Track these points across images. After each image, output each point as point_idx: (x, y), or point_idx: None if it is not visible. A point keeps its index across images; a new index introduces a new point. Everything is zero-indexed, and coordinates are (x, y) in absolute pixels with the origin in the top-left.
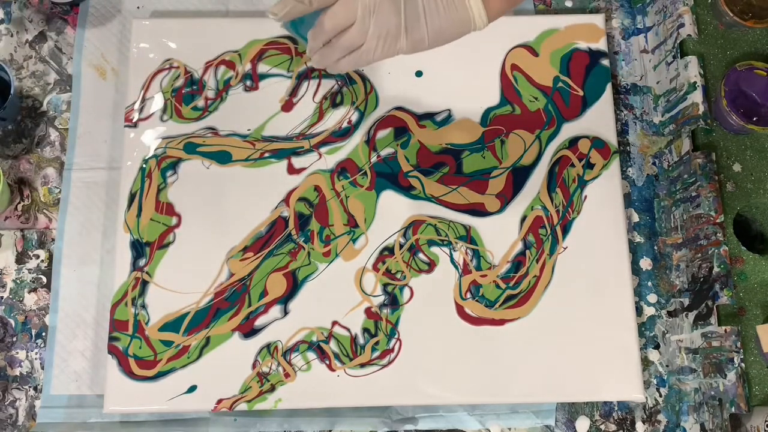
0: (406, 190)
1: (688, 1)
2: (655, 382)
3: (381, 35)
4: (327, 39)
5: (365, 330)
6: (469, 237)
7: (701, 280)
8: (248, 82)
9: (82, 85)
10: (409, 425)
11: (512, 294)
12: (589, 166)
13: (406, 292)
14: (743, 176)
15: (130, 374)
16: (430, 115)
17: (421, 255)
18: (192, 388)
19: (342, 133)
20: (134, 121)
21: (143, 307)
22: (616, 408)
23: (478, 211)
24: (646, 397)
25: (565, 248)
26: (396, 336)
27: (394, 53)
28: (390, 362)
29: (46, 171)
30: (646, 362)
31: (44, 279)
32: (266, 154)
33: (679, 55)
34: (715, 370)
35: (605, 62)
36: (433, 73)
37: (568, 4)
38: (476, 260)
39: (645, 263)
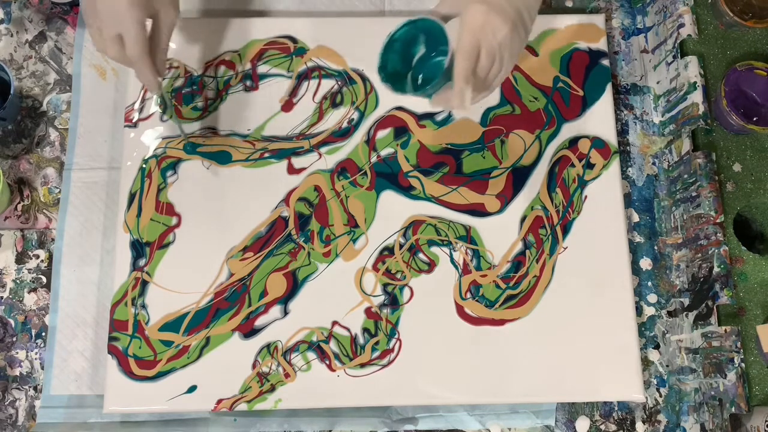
0: (406, 190)
1: (688, 1)
2: (655, 382)
3: (515, 54)
4: (481, 88)
5: (365, 330)
6: (469, 237)
7: (701, 280)
8: (248, 82)
9: (82, 85)
10: (409, 425)
11: (512, 294)
12: (589, 166)
13: (406, 292)
14: (743, 176)
15: (130, 374)
16: (430, 115)
17: (421, 255)
18: (192, 388)
19: (342, 133)
20: (134, 121)
21: (143, 307)
22: (616, 408)
23: (478, 211)
24: (646, 397)
25: (565, 248)
26: (396, 336)
27: None
28: (390, 362)
29: (46, 171)
30: (646, 362)
31: (44, 279)
32: (266, 154)
33: (679, 55)
34: (715, 370)
35: (605, 62)
36: None
37: (568, 4)
38: (476, 260)
39: (645, 263)
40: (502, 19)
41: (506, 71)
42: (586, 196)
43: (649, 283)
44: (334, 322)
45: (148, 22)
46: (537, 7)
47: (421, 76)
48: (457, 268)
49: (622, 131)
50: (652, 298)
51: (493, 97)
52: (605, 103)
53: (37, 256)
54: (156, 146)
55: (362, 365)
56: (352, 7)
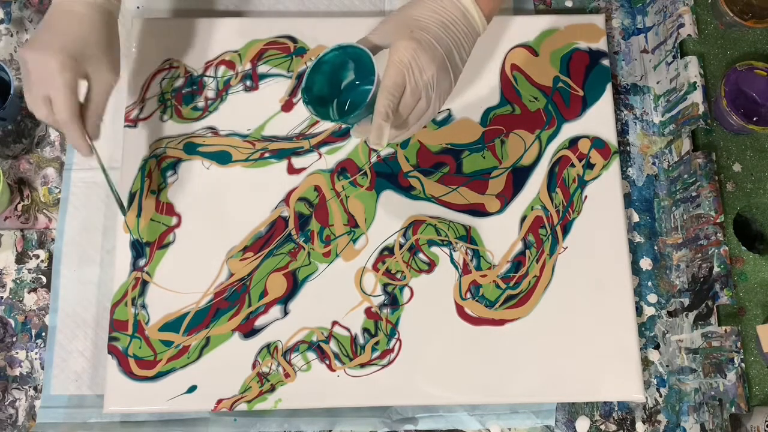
0: (406, 190)
1: (688, 1)
2: (655, 382)
3: (442, 95)
4: (401, 126)
5: (365, 330)
6: (469, 237)
7: (701, 280)
8: (248, 82)
9: None
10: (409, 425)
11: (512, 294)
12: (589, 166)
13: (406, 292)
14: (743, 176)
15: (130, 374)
16: None
17: (421, 255)
18: (192, 388)
19: (342, 133)
20: (134, 121)
21: (143, 307)
22: (616, 408)
23: (478, 211)
24: (646, 397)
25: (565, 248)
26: (396, 336)
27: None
28: (390, 362)
29: (46, 171)
30: (646, 362)
31: (44, 279)
32: (266, 155)
33: (679, 55)
34: (715, 370)
35: (605, 62)
36: None
37: (568, 4)
38: (476, 260)
39: (645, 263)
40: (430, 58)
41: (432, 111)
42: (586, 196)
43: (649, 283)
44: (334, 322)
45: (84, 86)
46: (470, 48)
47: (348, 102)
48: (457, 268)
49: (622, 131)
50: (652, 298)
51: (493, 97)
52: (605, 103)
53: (37, 256)
54: (156, 146)
55: (362, 365)
56: (352, 7)
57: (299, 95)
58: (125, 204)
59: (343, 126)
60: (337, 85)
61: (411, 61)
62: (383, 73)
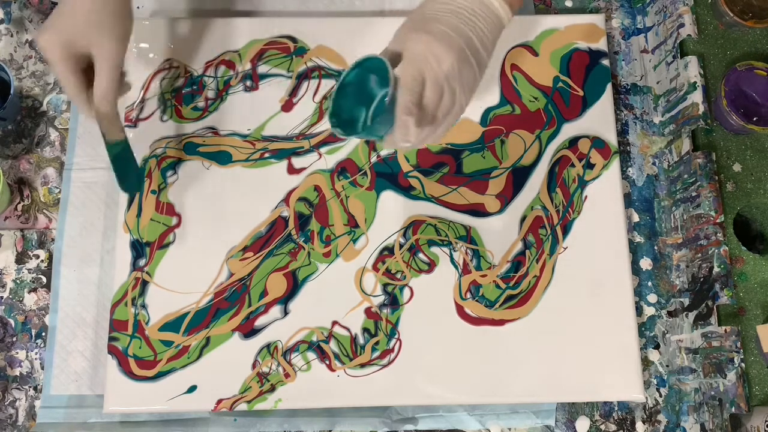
0: (406, 190)
1: (688, 1)
2: (655, 382)
3: (467, 88)
4: (429, 122)
5: (365, 330)
6: (469, 237)
7: (701, 280)
8: (248, 82)
9: None
10: (409, 425)
11: (512, 294)
12: (589, 166)
13: (406, 292)
14: (743, 176)
15: (130, 374)
16: None
17: (421, 255)
18: (192, 388)
19: None
20: (134, 121)
21: (143, 307)
22: (616, 408)
23: (478, 211)
24: (646, 397)
25: (565, 248)
26: (396, 336)
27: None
28: (390, 362)
29: (46, 171)
30: (646, 362)
31: (44, 279)
32: (266, 155)
33: (679, 55)
34: (715, 370)
35: (605, 62)
36: None
37: (568, 4)
38: (476, 260)
39: (645, 263)
40: (446, 47)
41: (460, 106)
42: (586, 196)
43: (649, 283)
44: (334, 322)
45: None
46: (493, 37)
47: (375, 117)
48: (457, 268)
49: (622, 131)
50: (652, 298)
51: (493, 97)
52: (605, 103)
53: (37, 256)
54: (156, 146)
55: (362, 365)
56: (352, 7)
57: (299, 95)
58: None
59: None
60: (366, 103)
61: (425, 52)
62: (399, 72)
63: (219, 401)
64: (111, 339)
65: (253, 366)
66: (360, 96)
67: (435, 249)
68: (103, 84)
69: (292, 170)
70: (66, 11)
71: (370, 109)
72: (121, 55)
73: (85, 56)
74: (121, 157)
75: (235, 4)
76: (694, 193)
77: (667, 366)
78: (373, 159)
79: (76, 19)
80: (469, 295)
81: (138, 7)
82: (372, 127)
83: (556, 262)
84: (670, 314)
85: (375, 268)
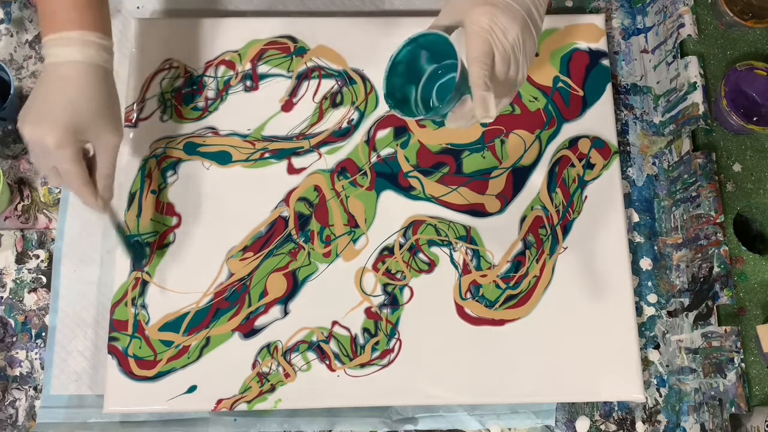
0: (406, 190)
1: (688, 1)
2: (655, 382)
3: (528, 56)
4: (503, 94)
5: (365, 330)
6: (469, 237)
7: (701, 280)
8: (248, 82)
9: None
10: (409, 425)
11: (512, 294)
12: (589, 166)
13: (406, 292)
14: (743, 176)
15: (130, 374)
16: None
17: (421, 255)
18: (192, 388)
19: (342, 133)
20: (134, 121)
21: (143, 307)
22: (616, 408)
23: (478, 211)
24: (646, 397)
25: (565, 248)
26: (396, 336)
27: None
28: (390, 362)
29: None
30: (646, 362)
31: (44, 279)
32: (266, 155)
33: (679, 55)
34: (715, 370)
35: (605, 62)
36: None
37: (568, 4)
38: (476, 260)
39: (645, 263)
40: (511, 18)
41: (523, 74)
42: (586, 196)
43: (649, 283)
44: (334, 322)
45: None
46: (545, 4)
47: (434, 95)
48: (457, 268)
49: (622, 131)
50: (652, 298)
51: None
52: (605, 103)
53: (37, 256)
54: (156, 146)
55: (362, 365)
56: (353, 6)
57: (299, 95)
58: (144, 251)
59: (342, 127)
60: (416, 81)
61: (491, 25)
62: (466, 46)
63: (219, 401)
64: (111, 339)
65: (253, 366)
66: (410, 74)
67: (435, 249)
68: (107, 172)
69: (292, 170)
70: (61, 102)
71: (420, 87)
72: (119, 143)
73: (84, 148)
74: (122, 234)
75: (235, 4)
76: (694, 193)
77: (667, 366)
78: (373, 159)
79: (79, 110)
80: (469, 295)
81: (138, 7)
82: (435, 108)
83: (556, 262)
84: (670, 314)
85: (375, 268)
